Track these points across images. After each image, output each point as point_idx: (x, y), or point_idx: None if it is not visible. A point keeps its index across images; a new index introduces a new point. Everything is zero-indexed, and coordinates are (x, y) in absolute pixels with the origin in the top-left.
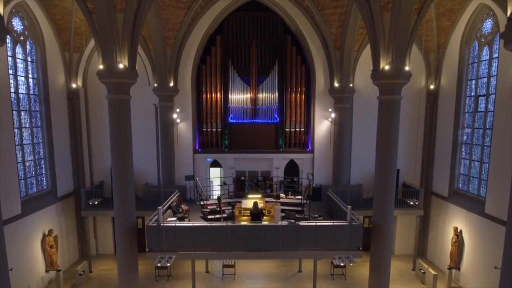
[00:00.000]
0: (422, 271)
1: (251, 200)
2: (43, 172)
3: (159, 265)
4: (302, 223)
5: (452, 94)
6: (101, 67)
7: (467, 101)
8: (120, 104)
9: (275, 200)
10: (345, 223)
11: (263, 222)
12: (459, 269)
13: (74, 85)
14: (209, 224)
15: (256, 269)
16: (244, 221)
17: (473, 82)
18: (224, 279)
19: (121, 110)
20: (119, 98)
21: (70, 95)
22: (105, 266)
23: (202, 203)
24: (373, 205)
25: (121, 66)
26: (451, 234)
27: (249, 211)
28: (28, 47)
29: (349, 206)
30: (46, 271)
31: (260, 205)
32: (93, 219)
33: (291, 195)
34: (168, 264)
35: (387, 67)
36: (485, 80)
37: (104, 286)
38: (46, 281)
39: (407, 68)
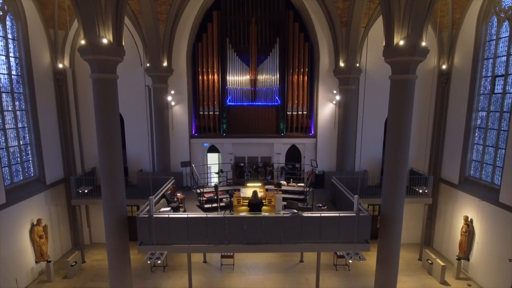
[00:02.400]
0: (430, 261)
1: (250, 189)
2: (30, 159)
3: (148, 262)
4: (305, 214)
5: (466, 74)
6: (83, 42)
7: (482, 82)
8: (106, 84)
9: (276, 188)
10: (352, 214)
11: (263, 213)
12: (468, 259)
13: (60, 65)
14: (205, 216)
15: (255, 259)
16: (243, 212)
17: (490, 61)
18: (222, 270)
19: (107, 90)
20: (104, 78)
21: (57, 75)
22: (99, 256)
23: (198, 191)
24: (382, 194)
25: (105, 41)
26: (460, 223)
27: (248, 201)
28: (8, 23)
29: (356, 196)
30: (36, 262)
31: (260, 194)
32: (86, 207)
33: (292, 182)
34: (159, 262)
35: (401, 43)
36: (503, 59)
37: (97, 277)
38: (36, 273)
39: (423, 43)
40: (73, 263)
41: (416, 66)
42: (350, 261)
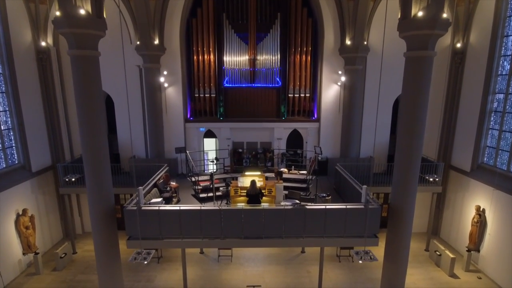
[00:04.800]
0: (438, 253)
1: (248, 178)
2: (13, 145)
3: (134, 262)
4: (309, 206)
5: (483, 53)
6: (58, 13)
7: (501, 61)
8: (86, 62)
9: (276, 176)
10: (361, 206)
11: (262, 204)
12: (478, 251)
13: (43, 43)
14: (198, 208)
15: (255, 250)
16: (241, 202)
17: (510, 38)
18: (220, 261)
19: (88, 69)
20: (83, 54)
21: (40, 55)
22: (91, 246)
23: (193, 179)
24: (392, 184)
25: (82, 12)
26: (470, 213)
27: (246, 191)
28: None
29: (365, 186)
30: (24, 254)
31: (260, 184)
32: (77, 195)
33: (294, 169)
34: (146, 262)
35: (420, 14)
36: None
37: (88, 270)
38: (24, 265)
39: (444, 15)
40: (63, 255)
41: (436, 41)
42: (360, 261)
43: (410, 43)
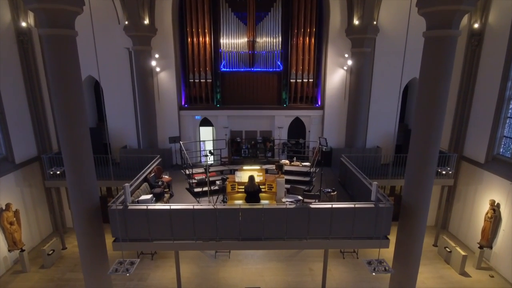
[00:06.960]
0: (448, 249)
1: (246, 172)
2: None
3: (114, 274)
4: (313, 205)
5: (504, 35)
6: None
7: None
8: (61, 42)
9: (276, 170)
10: (371, 206)
11: (262, 202)
12: (491, 247)
13: (23, 24)
14: (191, 207)
15: None
16: (238, 199)
17: None
18: (217, 258)
19: (63, 51)
20: (57, 34)
21: (20, 36)
22: None
23: (187, 172)
24: (405, 181)
25: None
26: (483, 207)
27: (244, 187)
28: None
29: (375, 183)
30: (9, 250)
31: (259, 179)
32: (66, 188)
33: (296, 161)
34: (128, 274)
35: None
36: None
37: (78, 267)
38: (11, 261)
39: None
40: (50, 252)
41: (461, 19)
42: (374, 273)
43: (431, 21)
